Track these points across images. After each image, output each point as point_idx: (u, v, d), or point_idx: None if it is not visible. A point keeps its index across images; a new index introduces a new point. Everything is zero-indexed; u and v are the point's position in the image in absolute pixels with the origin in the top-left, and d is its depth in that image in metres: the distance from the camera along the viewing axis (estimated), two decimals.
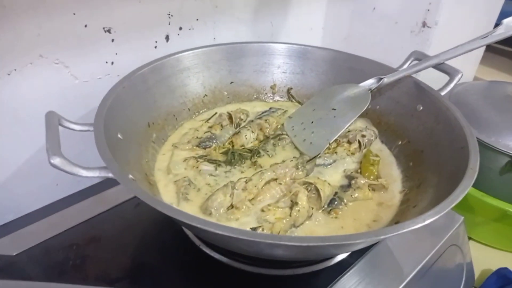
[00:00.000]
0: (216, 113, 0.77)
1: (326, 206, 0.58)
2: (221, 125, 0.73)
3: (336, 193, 0.60)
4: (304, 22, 1.09)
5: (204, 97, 0.78)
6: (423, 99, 0.68)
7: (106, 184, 0.70)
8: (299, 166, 0.63)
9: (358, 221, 0.56)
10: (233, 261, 0.57)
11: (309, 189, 0.59)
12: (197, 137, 0.70)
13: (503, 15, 1.07)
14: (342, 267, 0.58)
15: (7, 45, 0.58)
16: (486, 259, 0.84)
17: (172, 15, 0.77)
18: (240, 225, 0.54)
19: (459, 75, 0.68)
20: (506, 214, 0.86)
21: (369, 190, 0.61)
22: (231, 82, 0.81)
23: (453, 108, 0.63)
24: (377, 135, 0.73)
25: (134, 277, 0.56)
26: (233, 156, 0.65)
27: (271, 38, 1.01)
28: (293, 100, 0.85)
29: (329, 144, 0.67)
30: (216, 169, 0.63)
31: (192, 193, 0.59)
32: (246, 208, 0.56)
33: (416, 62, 0.74)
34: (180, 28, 0.80)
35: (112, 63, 0.71)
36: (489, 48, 0.84)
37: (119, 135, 0.55)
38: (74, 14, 0.63)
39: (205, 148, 0.68)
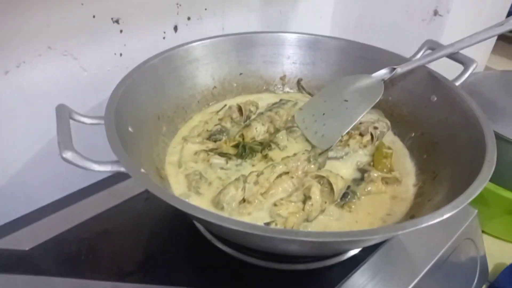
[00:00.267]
0: (225, 105, 0.76)
1: (339, 200, 0.57)
2: (231, 117, 0.72)
3: (349, 186, 0.59)
4: (313, 10, 1.07)
5: (213, 88, 0.77)
6: (437, 89, 0.67)
7: (115, 178, 0.70)
8: (311, 159, 0.62)
9: (372, 215, 0.56)
10: (245, 256, 0.57)
11: (321, 182, 0.58)
12: (207, 130, 0.69)
13: None
14: (355, 262, 0.58)
15: (16, 38, 0.57)
16: (499, 252, 0.83)
17: (180, 5, 0.75)
18: (253, 220, 0.53)
19: (474, 65, 0.66)
20: None
21: (383, 183, 0.60)
22: (241, 73, 0.80)
23: (468, 99, 0.61)
24: (389, 127, 0.72)
25: (146, 271, 0.56)
26: (244, 149, 0.64)
27: (280, 27, 1.00)
28: (303, 91, 0.83)
29: (341, 136, 0.66)
30: (227, 163, 0.62)
31: (204, 187, 0.58)
32: (258, 202, 0.55)
33: (429, 51, 0.72)
34: (189, 18, 0.78)
35: (121, 54, 0.70)
36: (499, 37, 0.82)
37: (129, 128, 0.54)
38: (82, 4, 0.62)
39: (215, 141, 0.67)
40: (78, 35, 0.64)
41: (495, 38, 1.36)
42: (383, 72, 0.70)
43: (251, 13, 0.91)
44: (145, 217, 0.64)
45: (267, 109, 0.75)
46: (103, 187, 0.67)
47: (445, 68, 0.70)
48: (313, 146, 0.66)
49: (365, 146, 0.68)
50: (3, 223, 0.63)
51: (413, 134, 0.69)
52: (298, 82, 0.84)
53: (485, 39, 0.66)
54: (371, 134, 0.68)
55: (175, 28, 0.77)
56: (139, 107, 0.60)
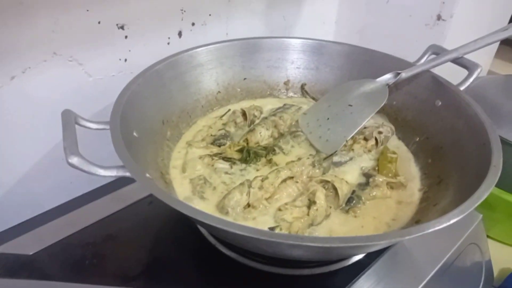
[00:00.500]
0: (229, 110, 0.76)
1: (344, 205, 0.57)
2: (235, 122, 0.72)
3: (354, 191, 0.59)
4: (317, 16, 1.07)
5: (217, 93, 0.77)
6: (442, 94, 0.67)
7: (119, 182, 0.70)
8: (316, 164, 0.62)
9: (377, 220, 0.55)
10: (249, 260, 0.57)
11: (326, 187, 0.58)
12: (211, 135, 0.69)
13: None
14: (360, 267, 0.57)
15: (21, 43, 0.58)
16: (505, 257, 0.82)
17: (185, 11, 0.76)
18: (257, 225, 0.53)
19: (479, 69, 0.66)
20: None
21: (388, 188, 0.60)
22: (244, 78, 0.80)
23: (473, 103, 0.61)
24: (394, 131, 0.72)
25: (150, 276, 0.55)
26: (248, 154, 0.64)
27: (284, 32, 1.00)
28: (307, 96, 0.83)
29: (346, 141, 0.66)
30: (231, 167, 0.62)
31: (208, 192, 0.58)
32: (263, 207, 0.55)
33: (433, 56, 0.72)
34: (193, 24, 0.79)
35: (126, 60, 0.71)
36: (502, 41, 0.82)
37: (134, 133, 0.54)
38: (87, 10, 0.62)
39: (219, 146, 0.67)
40: (83, 41, 0.64)
41: (498, 42, 1.36)
42: (387, 77, 0.70)
43: (255, 18, 0.91)
44: (149, 221, 0.64)
45: (271, 114, 0.75)
46: (107, 191, 0.68)
47: (449, 73, 0.70)
48: (317, 151, 0.66)
49: (369, 151, 0.68)
50: (8, 227, 0.64)
51: (418, 138, 0.69)
52: (302, 87, 0.84)
53: (489, 44, 0.66)
54: (376, 139, 0.68)
55: (180, 34, 0.77)
56: (144, 112, 0.60)
